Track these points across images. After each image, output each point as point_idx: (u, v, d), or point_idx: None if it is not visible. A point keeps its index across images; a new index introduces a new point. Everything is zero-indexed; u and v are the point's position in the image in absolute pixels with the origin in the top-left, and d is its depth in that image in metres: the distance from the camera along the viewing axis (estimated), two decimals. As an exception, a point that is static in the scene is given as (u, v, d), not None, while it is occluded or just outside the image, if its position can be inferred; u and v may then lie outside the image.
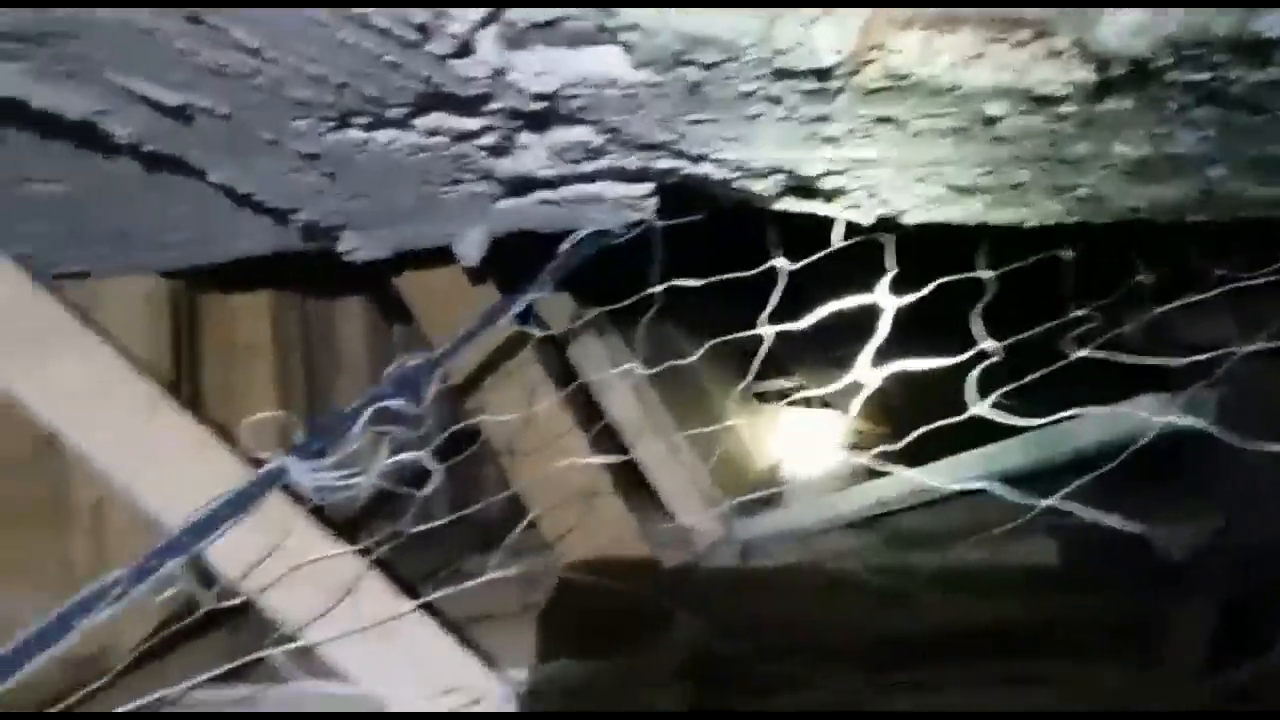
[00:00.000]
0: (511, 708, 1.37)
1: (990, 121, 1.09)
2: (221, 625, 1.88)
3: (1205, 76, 0.96)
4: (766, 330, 1.48)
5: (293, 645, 1.29)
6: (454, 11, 0.90)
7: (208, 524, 1.17)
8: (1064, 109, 1.05)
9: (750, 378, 1.52)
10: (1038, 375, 1.45)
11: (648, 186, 1.46)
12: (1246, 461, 2.46)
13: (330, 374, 2.57)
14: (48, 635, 1.20)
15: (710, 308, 1.81)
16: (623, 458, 1.97)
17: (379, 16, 0.89)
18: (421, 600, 1.30)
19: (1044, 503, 1.27)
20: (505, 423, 1.88)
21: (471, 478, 2.61)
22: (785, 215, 1.53)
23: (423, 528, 1.31)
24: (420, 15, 0.89)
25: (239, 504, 1.18)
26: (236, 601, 1.30)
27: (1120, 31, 0.89)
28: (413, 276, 1.98)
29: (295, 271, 2.32)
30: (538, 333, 1.62)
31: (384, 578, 1.35)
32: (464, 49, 0.96)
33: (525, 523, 1.60)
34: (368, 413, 1.28)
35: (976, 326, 1.44)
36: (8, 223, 1.45)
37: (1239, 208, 1.38)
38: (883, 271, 1.49)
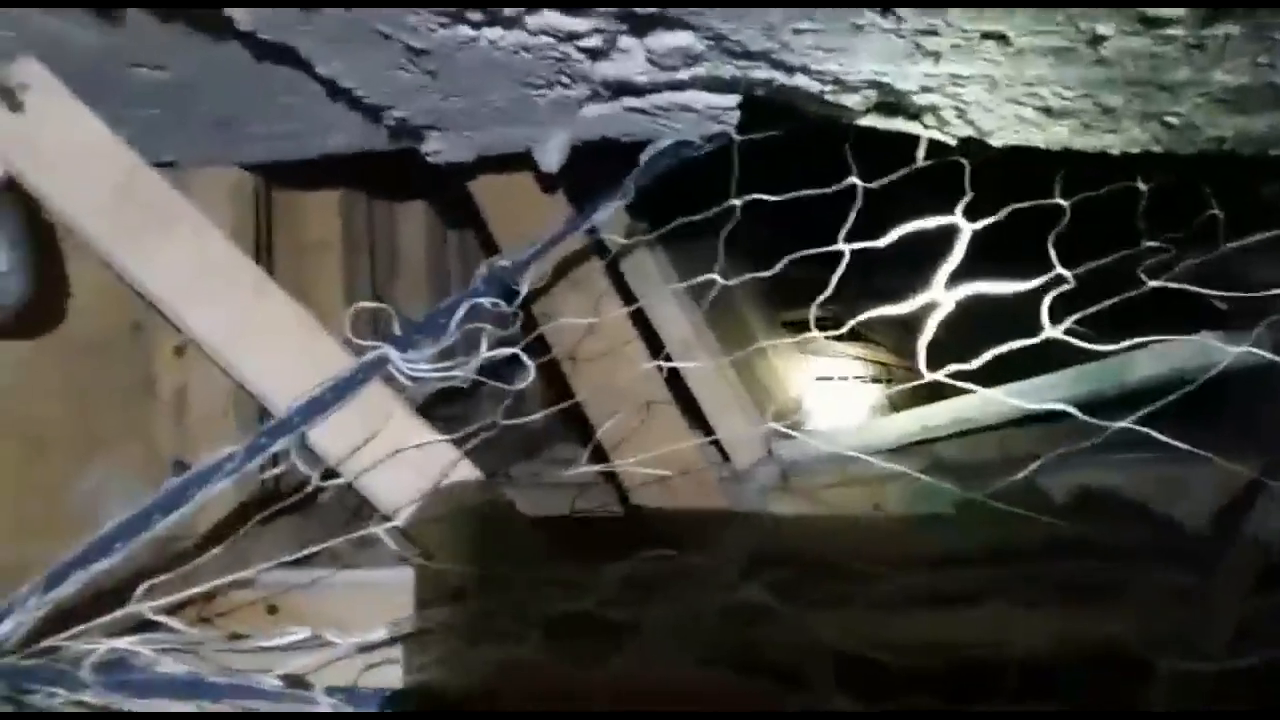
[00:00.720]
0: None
1: (1097, 41, 1.11)
2: (294, 511, 1.96)
3: (1319, 3, 0.97)
4: (845, 247, 1.50)
5: (393, 524, 1.35)
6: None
7: (314, 406, 1.22)
8: (1172, 31, 1.06)
9: (830, 290, 1.54)
10: (1113, 301, 1.47)
11: (735, 98, 1.48)
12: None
13: (391, 274, 2.63)
14: (170, 501, 1.26)
15: (758, 234, 1.83)
16: (682, 364, 2.00)
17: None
18: (500, 482, 1.36)
19: (1117, 425, 1.30)
20: (570, 330, 1.92)
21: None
22: (861, 141, 1.55)
23: (517, 421, 1.36)
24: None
25: (343, 389, 1.23)
26: (340, 482, 1.36)
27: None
28: (486, 181, 2.01)
29: (366, 172, 2.37)
30: (621, 240, 1.65)
31: (474, 467, 1.41)
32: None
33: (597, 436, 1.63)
34: (463, 309, 1.32)
35: (1051, 253, 1.46)
36: (114, 107, 1.48)
37: (1323, 141, 1.39)
38: (946, 202, 1.50)
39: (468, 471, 1.39)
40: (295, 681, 1.29)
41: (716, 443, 2.95)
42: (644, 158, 1.65)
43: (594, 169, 1.74)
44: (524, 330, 1.70)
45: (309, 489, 1.29)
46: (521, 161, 1.75)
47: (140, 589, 1.30)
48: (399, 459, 1.36)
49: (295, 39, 1.27)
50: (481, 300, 1.38)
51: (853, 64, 1.25)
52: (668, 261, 2.89)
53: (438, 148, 1.68)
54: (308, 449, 1.35)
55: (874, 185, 1.61)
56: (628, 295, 2.47)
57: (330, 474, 1.36)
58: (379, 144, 1.72)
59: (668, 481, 1.95)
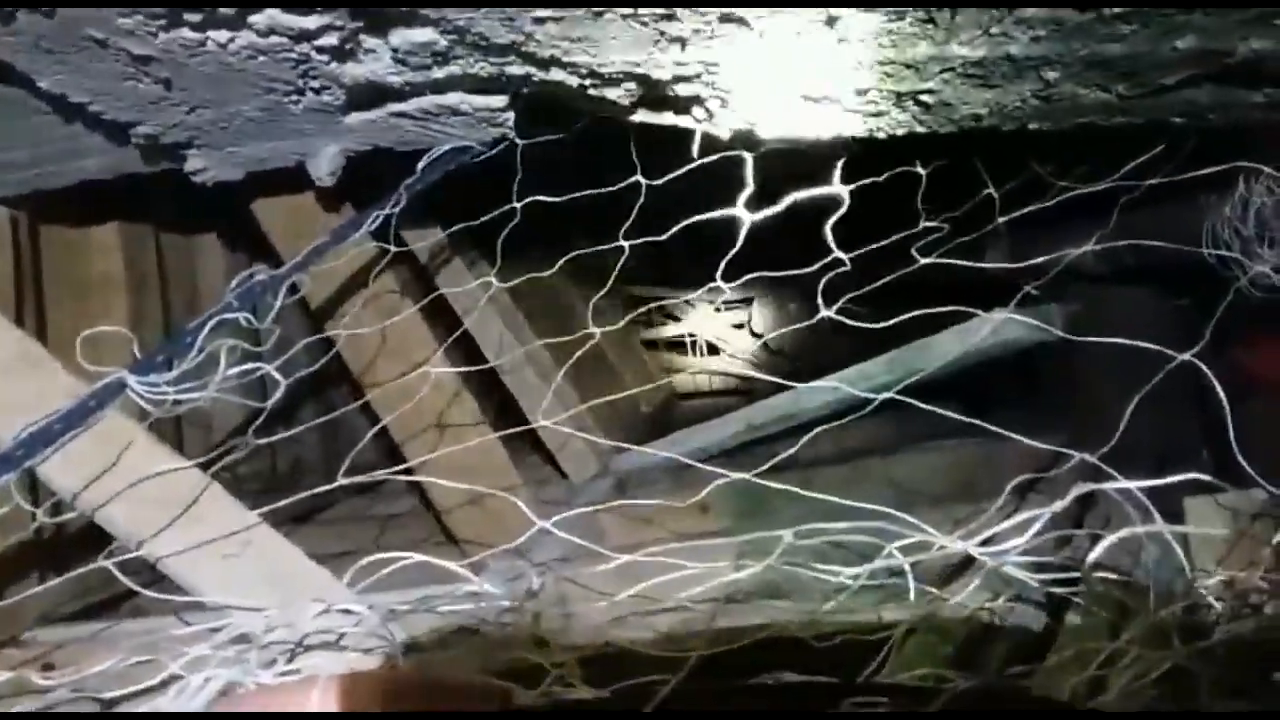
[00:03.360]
0: (387, 629, 1.36)
1: (832, 21, 1.11)
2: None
3: (1032, -31, 0.99)
4: (625, 243, 1.48)
5: (130, 555, 1.25)
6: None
7: (41, 437, 1.12)
8: (900, 7, 1.07)
9: (602, 291, 1.51)
10: (882, 282, 1.49)
11: (503, 99, 1.44)
12: (1092, 381, 2.59)
13: (189, 307, 2.49)
14: None
15: (590, 240, 1.80)
16: (471, 369, 1.93)
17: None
18: (263, 510, 1.28)
19: (881, 396, 1.30)
20: (364, 345, 1.84)
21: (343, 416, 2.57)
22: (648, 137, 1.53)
23: (266, 440, 1.28)
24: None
25: (74, 418, 1.13)
26: (70, 516, 1.26)
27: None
28: (268, 203, 1.92)
29: (148, 203, 2.24)
30: (392, 249, 1.59)
31: (227, 493, 1.32)
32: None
33: (372, 432, 1.56)
34: (209, 326, 1.24)
35: (828, 236, 1.46)
36: None
37: (1078, 114, 1.43)
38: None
39: (220, 497, 1.31)
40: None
41: (552, 459, 2.92)
42: (421, 165, 1.59)
43: (387, 179, 1.68)
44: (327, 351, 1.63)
45: (33, 525, 1.19)
46: (301, 180, 1.67)
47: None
48: (142, 489, 1.27)
49: (5, 52, 1.17)
50: (235, 316, 1.30)
51: (603, 54, 1.23)
52: (489, 268, 2.85)
53: (200, 165, 1.59)
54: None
55: (657, 182, 1.59)
56: (452, 316, 2.42)
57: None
58: (137, 166, 1.62)
59: (482, 504, 1.88)
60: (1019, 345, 2.28)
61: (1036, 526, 1.09)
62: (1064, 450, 1.38)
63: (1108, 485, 1.11)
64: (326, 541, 2.05)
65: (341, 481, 1.23)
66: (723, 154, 1.52)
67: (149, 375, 1.16)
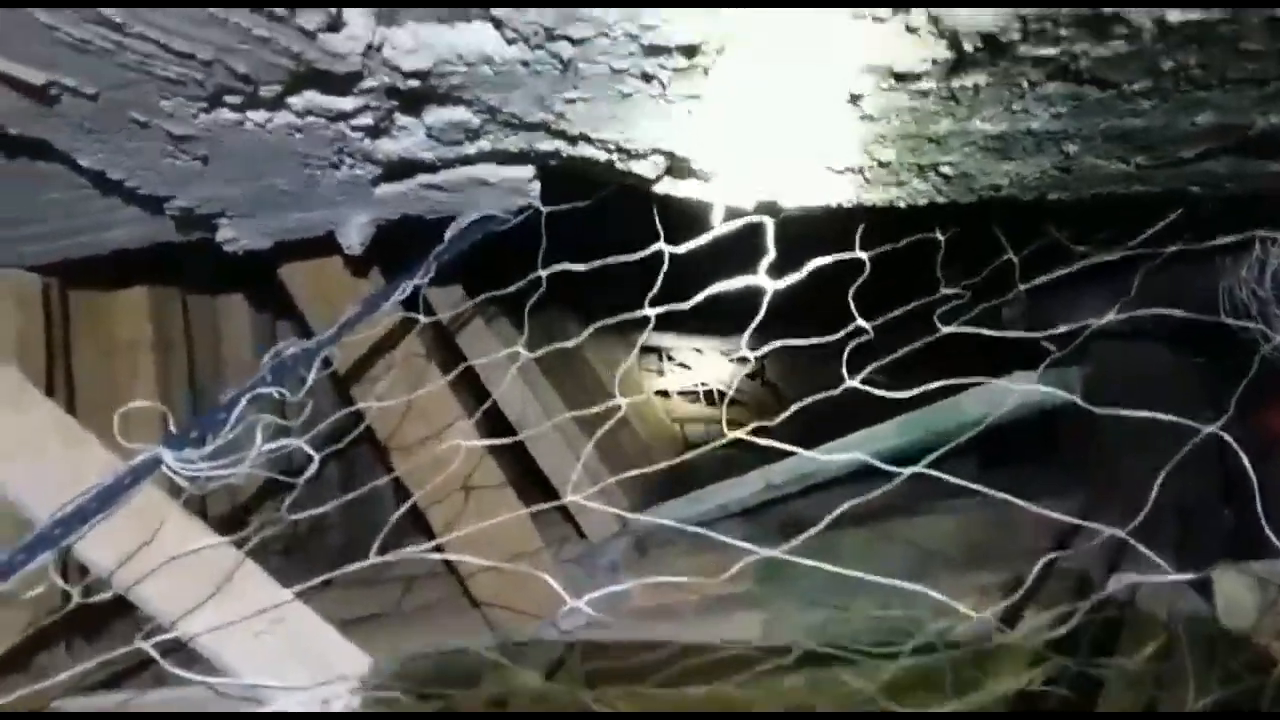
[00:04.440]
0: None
1: (855, 99, 1.13)
2: (104, 631, 1.83)
3: (1053, 51, 1.01)
4: (650, 311, 1.49)
5: (166, 636, 1.26)
6: (322, -16, 0.90)
7: (77, 516, 1.13)
8: (924, 85, 1.09)
9: (633, 360, 1.52)
10: (905, 351, 1.50)
11: (530, 170, 1.47)
12: (1112, 442, 2.58)
13: (214, 372, 2.52)
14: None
15: (605, 296, 1.82)
16: (504, 441, 1.94)
17: (245, -12, 0.88)
18: (299, 588, 1.28)
19: (906, 471, 1.31)
20: (389, 411, 1.85)
21: (365, 476, 2.58)
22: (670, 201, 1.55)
23: (300, 515, 1.28)
24: (288, -13, 0.89)
25: (110, 495, 1.15)
26: (106, 596, 1.26)
27: (971, 7, 0.93)
28: (296, 268, 1.95)
29: (175, 267, 2.28)
30: (421, 319, 1.61)
31: (260, 568, 1.33)
32: (334, 24, 0.96)
33: (404, 508, 1.57)
34: (243, 402, 1.26)
35: (851, 305, 1.48)
36: None
37: (1096, 184, 1.45)
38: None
39: (253, 574, 1.31)
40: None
41: (571, 518, 2.92)
42: (448, 234, 1.62)
43: (414, 245, 1.70)
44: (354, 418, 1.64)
45: (70, 606, 1.19)
46: (329, 245, 1.70)
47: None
48: (176, 565, 1.28)
49: (47, 131, 1.20)
50: (269, 390, 1.31)
51: (632, 131, 1.25)
52: (514, 331, 2.86)
53: (232, 235, 1.62)
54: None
55: (681, 249, 1.61)
56: (470, 374, 2.44)
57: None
58: (169, 235, 1.65)
59: (504, 572, 1.88)
60: (1039, 407, 2.28)
61: (1075, 620, 1.09)
62: (1089, 524, 1.38)
63: (1142, 578, 1.11)
64: (350, 605, 2.06)
65: (374, 560, 1.24)
66: (745, 220, 1.54)
67: (183, 450, 1.17)
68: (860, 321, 1.47)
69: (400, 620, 2.09)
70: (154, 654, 1.15)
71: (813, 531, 1.31)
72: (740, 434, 1.41)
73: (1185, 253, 1.63)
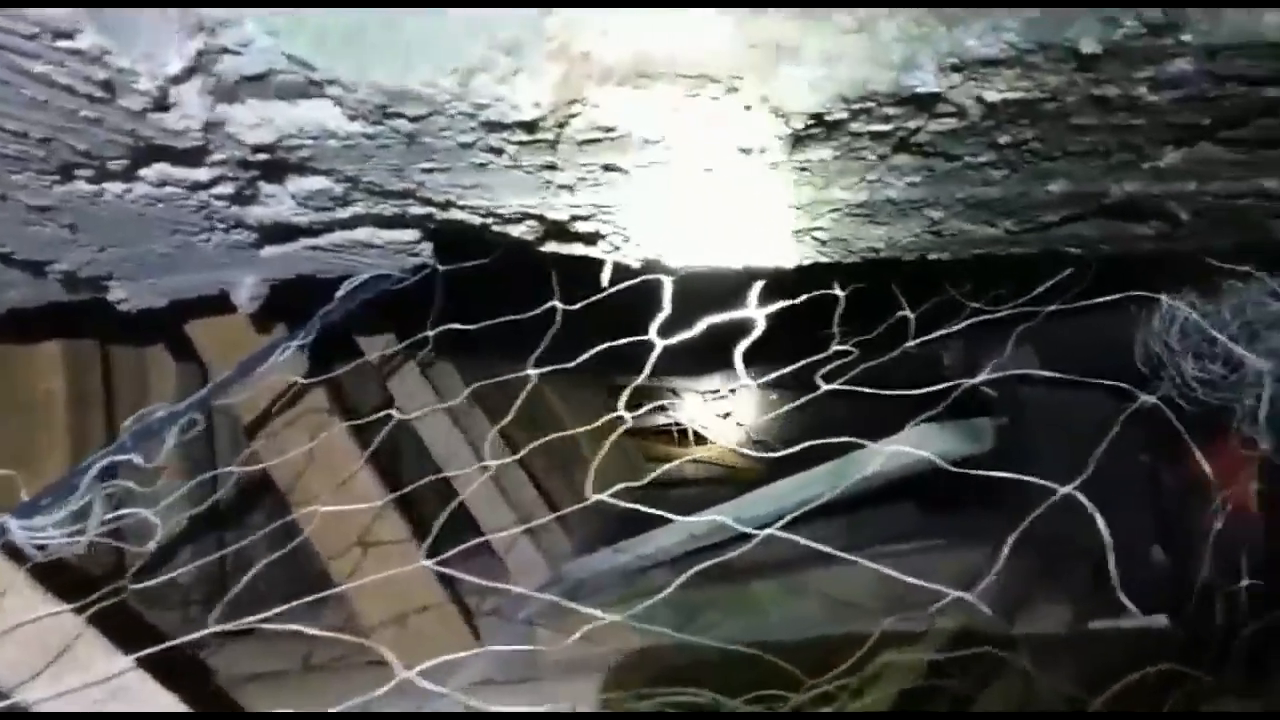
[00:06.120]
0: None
1: (708, 170, 1.14)
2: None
3: (887, 127, 1.01)
4: (532, 372, 1.49)
5: (3, 704, 1.24)
6: (141, 68, 0.89)
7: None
8: (772, 159, 1.10)
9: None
10: (791, 407, 1.50)
11: (414, 233, 1.47)
12: (1025, 488, 2.59)
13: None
14: None
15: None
16: (403, 491, 1.93)
17: (60, 74, 0.88)
18: (137, 655, 1.26)
19: (764, 532, 1.31)
20: (290, 464, 1.84)
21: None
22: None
23: (146, 584, 1.27)
24: (103, 72, 0.88)
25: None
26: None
27: (795, 88, 0.94)
28: (199, 324, 1.95)
29: (92, 321, 2.26)
30: (301, 380, 1.60)
31: (101, 635, 1.31)
32: (162, 103, 0.96)
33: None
34: (96, 469, 1.25)
35: (738, 362, 1.48)
36: None
37: (974, 245, 1.46)
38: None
39: (94, 642, 1.29)
40: None
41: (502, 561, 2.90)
42: (338, 294, 1.62)
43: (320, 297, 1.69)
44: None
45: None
46: (229, 301, 1.70)
47: None
48: (20, 634, 1.26)
49: (-93, 202, 1.20)
50: (128, 456, 1.30)
51: (497, 198, 1.25)
52: (457, 378, 2.86)
53: (123, 296, 1.61)
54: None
55: (574, 307, 1.62)
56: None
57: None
58: (59, 296, 1.64)
59: (408, 625, 1.87)
60: (952, 456, 2.29)
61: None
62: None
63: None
64: (254, 659, 2.03)
65: (213, 629, 1.22)
66: (640, 278, 1.55)
67: (33, 518, 1.16)
68: (745, 380, 1.47)
69: (300, 677, 2.06)
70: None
71: (661, 595, 1.31)
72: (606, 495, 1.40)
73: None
